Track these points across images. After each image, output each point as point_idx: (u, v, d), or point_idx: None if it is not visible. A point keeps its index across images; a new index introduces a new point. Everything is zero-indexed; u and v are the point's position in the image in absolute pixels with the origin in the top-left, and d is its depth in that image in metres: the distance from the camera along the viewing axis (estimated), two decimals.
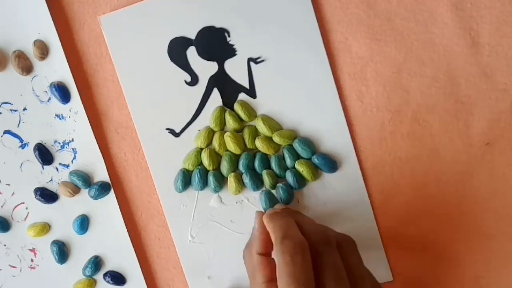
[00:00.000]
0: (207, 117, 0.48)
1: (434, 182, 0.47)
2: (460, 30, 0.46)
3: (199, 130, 0.48)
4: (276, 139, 0.47)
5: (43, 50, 0.47)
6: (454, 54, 0.46)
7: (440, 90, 0.47)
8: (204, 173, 0.48)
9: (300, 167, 0.47)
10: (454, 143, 0.47)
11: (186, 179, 0.48)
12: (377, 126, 0.47)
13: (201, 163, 0.48)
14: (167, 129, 0.48)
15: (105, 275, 0.49)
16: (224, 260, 0.49)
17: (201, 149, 0.48)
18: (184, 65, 0.47)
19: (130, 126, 0.48)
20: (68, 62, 0.47)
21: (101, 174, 0.48)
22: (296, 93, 0.47)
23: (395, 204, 0.48)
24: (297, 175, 0.47)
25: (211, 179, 0.47)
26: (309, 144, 0.47)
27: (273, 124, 0.47)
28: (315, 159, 0.47)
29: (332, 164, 0.47)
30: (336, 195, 0.48)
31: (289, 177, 0.47)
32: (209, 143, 0.48)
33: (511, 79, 0.46)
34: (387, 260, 0.48)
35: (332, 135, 0.47)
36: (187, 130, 0.48)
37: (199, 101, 0.48)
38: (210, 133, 0.48)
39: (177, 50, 0.47)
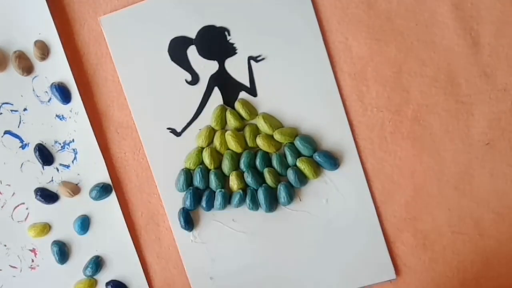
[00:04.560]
0: (208, 116, 0.48)
1: (434, 182, 0.47)
2: (460, 30, 0.46)
3: (200, 129, 0.48)
4: (277, 137, 0.47)
5: (44, 50, 0.47)
6: (454, 54, 0.46)
7: (441, 90, 0.47)
8: (205, 172, 0.48)
9: (302, 164, 0.47)
10: (454, 143, 0.47)
11: (188, 178, 0.48)
12: (377, 126, 0.47)
13: (202, 162, 0.48)
14: (168, 128, 0.48)
15: (107, 284, 0.50)
16: (227, 260, 0.49)
17: (202, 148, 0.48)
18: (185, 64, 0.47)
19: (131, 126, 0.48)
20: (68, 62, 0.47)
21: (102, 175, 0.48)
22: (296, 91, 0.47)
23: (395, 204, 0.48)
24: (299, 173, 0.47)
25: (212, 178, 0.48)
26: (310, 141, 0.47)
27: (274, 122, 0.47)
28: (316, 157, 0.47)
29: (333, 161, 0.47)
30: (338, 192, 0.48)
31: (290, 175, 0.47)
32: (210, 142, 0.48)
33: (511, 79, 0.46)
34: (390, 258, 0.48)
35: (333, 132, 0.47)
36: (188, 129, 0.48)
37: (200, 100, 0.48)
38: (211, 132, 0.48)
39: (177, 50, 0.47)
